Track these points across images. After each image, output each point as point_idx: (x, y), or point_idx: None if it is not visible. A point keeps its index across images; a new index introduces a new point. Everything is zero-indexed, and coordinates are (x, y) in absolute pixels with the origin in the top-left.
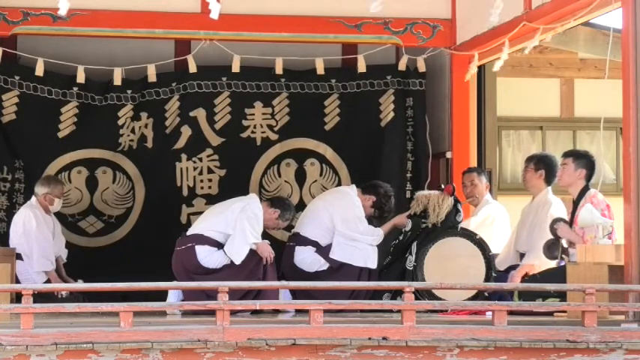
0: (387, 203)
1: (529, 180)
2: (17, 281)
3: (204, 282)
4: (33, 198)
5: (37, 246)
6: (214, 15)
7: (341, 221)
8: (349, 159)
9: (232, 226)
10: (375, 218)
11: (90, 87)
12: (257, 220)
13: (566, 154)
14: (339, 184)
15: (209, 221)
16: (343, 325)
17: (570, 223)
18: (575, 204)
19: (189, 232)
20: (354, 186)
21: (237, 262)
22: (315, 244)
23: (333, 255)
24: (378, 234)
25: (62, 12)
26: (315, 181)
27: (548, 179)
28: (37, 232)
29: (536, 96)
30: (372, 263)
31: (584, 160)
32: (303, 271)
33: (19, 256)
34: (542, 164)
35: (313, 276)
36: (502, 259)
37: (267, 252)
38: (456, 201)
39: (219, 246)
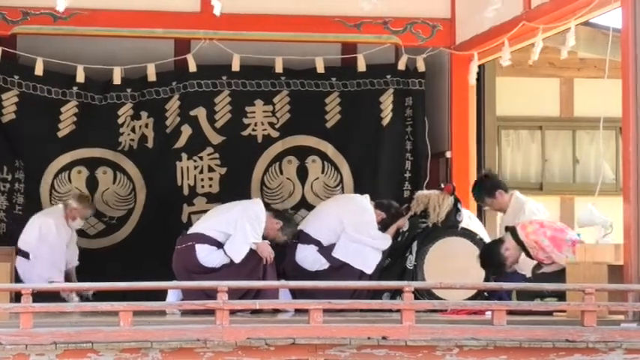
0: (392, 224)
1: (499, 205)
2: (18, 279)
3: (204, 282)
4: (61, 205)
5: (50, 254)
6: (216, 11)
7: (352, 224)
8: (350, 157)
9: (233, 226)
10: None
11: (90, 86)
12: (258, 221)
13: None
14: (341, 181)
15: (210, 221)
16: (343, 324)
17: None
18: (523, 248)
19: (190, 231)
20: (367, 196)
21: (237, 261)
22: (317, 243)
23: (335, 254)
24: (387, 238)
25: (60, 7)
26: (317, 178)
27: (506, 189)
28: (52, 241)
29: (535, 95)
30: (369, 269)
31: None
32: (303, 270)
33: (25, 255)
34: (493, 187)
35: (313, 275)
36: None
37: (267, 252)
38: (456, 200)
39: (220, 245)
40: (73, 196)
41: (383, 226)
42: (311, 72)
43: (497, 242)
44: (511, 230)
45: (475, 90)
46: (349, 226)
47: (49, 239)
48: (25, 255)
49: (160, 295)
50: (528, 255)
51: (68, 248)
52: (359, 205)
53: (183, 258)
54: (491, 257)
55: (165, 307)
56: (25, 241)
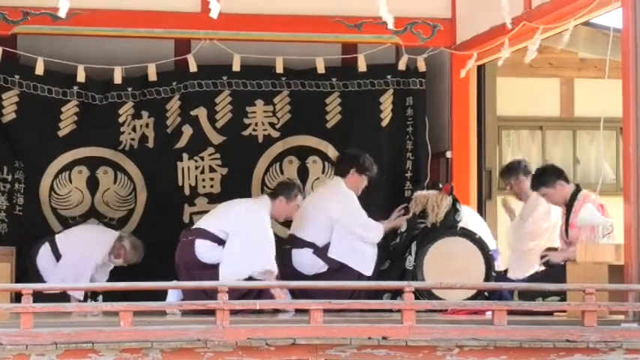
0: (366, 161)
1: (523, 189)
2: (37, 275)
3: (204, 282)
4: (117, 234)
5: (76, 269)
6: (214, 14)
7: (339, 214)
8: None
9: (232, 229)
10: (370, 183)
11: (90, 86)
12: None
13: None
14: None
15: (214, 218)
16: (343, 324)
17: (566, 226)
18: (569, 207)
19: (195, 225)
20: (337, 178)
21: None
22: (312, 245)
23: (331, 254)
24: (379, 230)
25: (62, 13)
26: (318, 178)
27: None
28: (87, 259)
29: (536, 96)
30: (368, 269)
31: (552, 176)
32: (302, 274)
33: (56, 252)
34: (528, 170)
35: (313, 279)
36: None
37: None
38: (455, 200)
39: (221, 242)
40: (131, 239)
41: (362, 171)
42: (311, 72)
43: (563, 174)
44: (577, 187)
45: (475, 90)
46: (337, 215)
47: (85, 255)
48: (56, 252)
49: (161, 295)
50: (567, 216)
51: (97, 272)
52: (339, 193)
53: (183, 251)
54: (546, 171)
55: (165, 308)
56: (63, 240)
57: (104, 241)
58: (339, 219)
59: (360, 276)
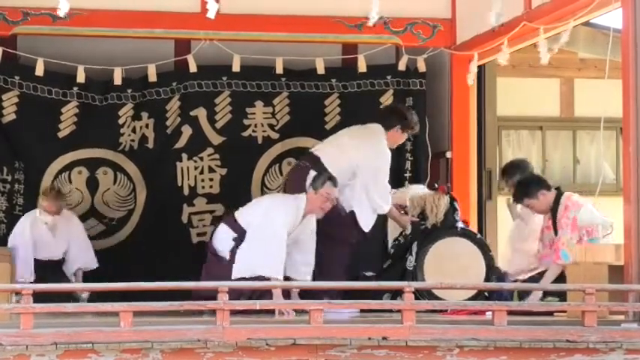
0: (412, 120)
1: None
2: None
3: (204, 282)
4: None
5: (18, 252)
6: (211, 14)
7: (366, 166)
8: None
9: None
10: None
11: (90, 87)
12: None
13: (518, 200)
14: None
15: (246, 207)
16: (343, 324)
17: (555, 230)
18: (553, 211)
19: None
20: (379, 127)
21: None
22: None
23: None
24: (388, 203)
25: (62, 13)
26: None
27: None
28: (19, 239)
29: (536, 96)
30: (367, 227)
31: (533, 187)
32: None
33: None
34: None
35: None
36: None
37: None
38: (452, 199)
39: (242, 234)
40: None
41: (407, 128)
42: (311, 73)
43: (544, 183)
44: (558, 191)
45: (476, 90)
46: (360, 171)
47: (16, 237)
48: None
49: (160, 295)
50: (553, 220)
51: (37, 248)
52: (379, 147)
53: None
54: (528, 183)
55: (165, 308)
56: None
57: (28, 214)
58: (362, 171)
59: (359, 277)
